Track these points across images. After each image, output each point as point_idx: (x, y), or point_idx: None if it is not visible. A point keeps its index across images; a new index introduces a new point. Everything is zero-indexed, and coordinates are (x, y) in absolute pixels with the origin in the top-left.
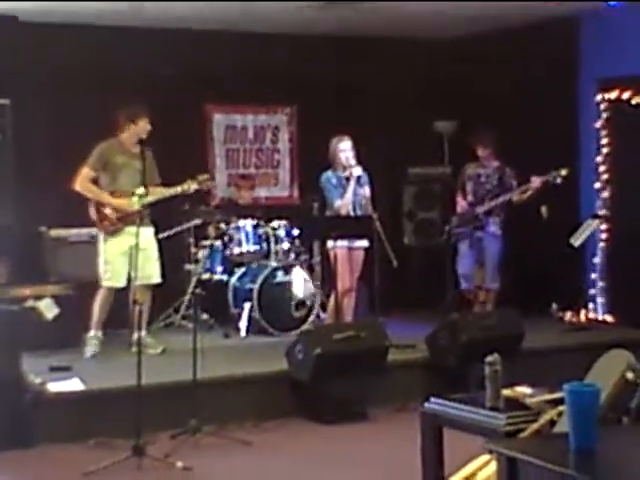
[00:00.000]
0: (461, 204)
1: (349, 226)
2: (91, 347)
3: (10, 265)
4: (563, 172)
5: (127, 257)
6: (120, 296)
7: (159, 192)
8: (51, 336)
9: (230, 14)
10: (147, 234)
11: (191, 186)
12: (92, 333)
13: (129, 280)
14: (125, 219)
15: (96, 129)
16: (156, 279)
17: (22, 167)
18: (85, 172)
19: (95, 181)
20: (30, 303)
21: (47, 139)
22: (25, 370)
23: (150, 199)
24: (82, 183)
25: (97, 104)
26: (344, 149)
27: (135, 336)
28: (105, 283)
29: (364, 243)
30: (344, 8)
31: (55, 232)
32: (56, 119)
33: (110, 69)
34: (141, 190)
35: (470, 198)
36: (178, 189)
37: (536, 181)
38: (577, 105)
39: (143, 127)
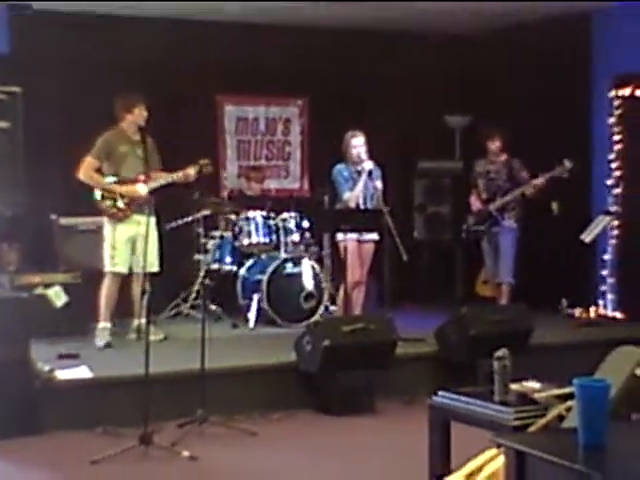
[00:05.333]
0: (475, 203)
1: (359, 219)
2: (103, 338)
3: (20, 253)
4: (567, 164)
5: (131, 244)
6: (124, 284)
7: (162, 177)
8: (60, 324)
9: (244, 6)
10: (151, 223)
11: (192, 171)
12: (102, 325)
13: (130, 268)
14: (133, 206)
15: (106, 118)
16: (156, 267)
17: (33, 155)
18: (89, 161)
19: (98, 170)
20: (39, 291)
21: (58, 127)
22: (34, 357)
23: (154, 185)
24: (86, 172)
25: (107, 93)
26: (356, 145)
27: (135, 323)
28: (111, 269)
29: (374, 236)
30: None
31: (65, 220)
32: (67, 108)
33: (121, 59)
34: (143, 176)
35: (483, 195)
36: (180, 174)
37: (539, 181)
38: (590, 101)
39: (139, 115)
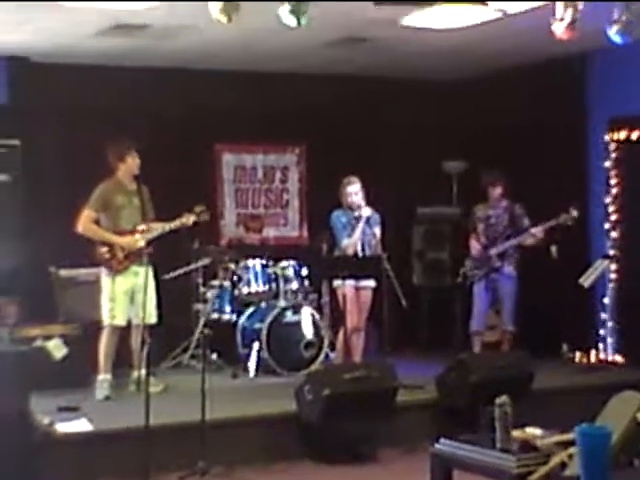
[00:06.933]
0: (474, 246)
1: (357, 266)
2: (102, 390)
3: (19, 305)
4: (574, 213)
5: (129, 296)
6: (124, 336)
7: (160, 227)
8: (59, 376)
9: (241, 53)
10: (149, 273)
11: (189, 219)
12: (102, 377)
13: (129, 320)
14: (131, 257)
15: (105, 169)
16: (154, 319)
17: (32, 207)
18: (87, 214)
19: (97, 222)
20: (39, 343)
21: (57, 179)
22: (33, 410)
23: (151, 235)
24: (85, 225)
25: (106, 143)
26: (351, 192)
27: (135, 375)
28: (110, 321)
29: (371, 283)
30: (357, 47)
31: (64, 272)
32: (65, 160)
33: (119, 108)
34: (142, 227)
35: (483, 240)
36: (177, 223)
37: (538, 231)
38: (586, 145)
39: (132, 164)
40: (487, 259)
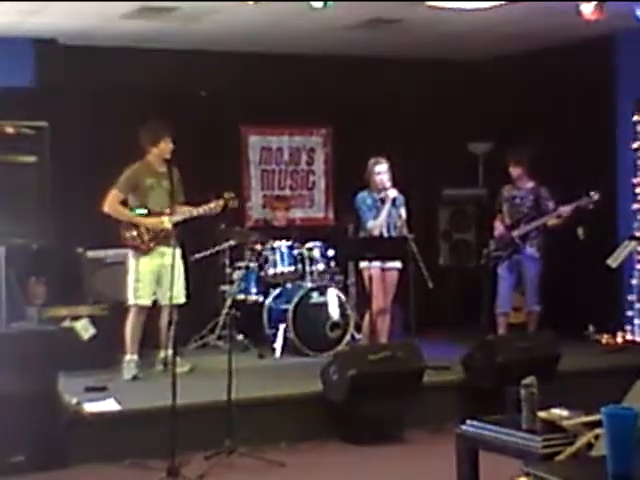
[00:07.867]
0: (498, 227)
1: (384, 247)
2: (129, 370)
3: (48, 286)
4: (595, 197)
5: (156, 276)
6: (151, 316)
7: (187, 211)
8: (87, 356)
9: (267, 36)
10: (176, 254)
11: (218, 205)
12: (128, 357)
13: (155, 300)
14: (157, 239)
15: (132, 151)
16: (182, 299)
17: (60, 189)
18: (114, 194)
19: (124, 202)
20: (67, 323)
21: (84, 161)
22: (61, 390)
23: (179, 218)
24: (111, 205)
25: (133, 125)
26: (379, 172)
27: (162, 355)
28: (135, 301)
29: (397, 264)
30: (382, 28)
31: (92, 253)
32: (93, 141)
33: (145, 91)
34: (169, 210)
35: (507, 221)
36: (205, 208)
37: (566, 209)
38: (614, 126)
39: (165, 148)
40: (510, 240)
